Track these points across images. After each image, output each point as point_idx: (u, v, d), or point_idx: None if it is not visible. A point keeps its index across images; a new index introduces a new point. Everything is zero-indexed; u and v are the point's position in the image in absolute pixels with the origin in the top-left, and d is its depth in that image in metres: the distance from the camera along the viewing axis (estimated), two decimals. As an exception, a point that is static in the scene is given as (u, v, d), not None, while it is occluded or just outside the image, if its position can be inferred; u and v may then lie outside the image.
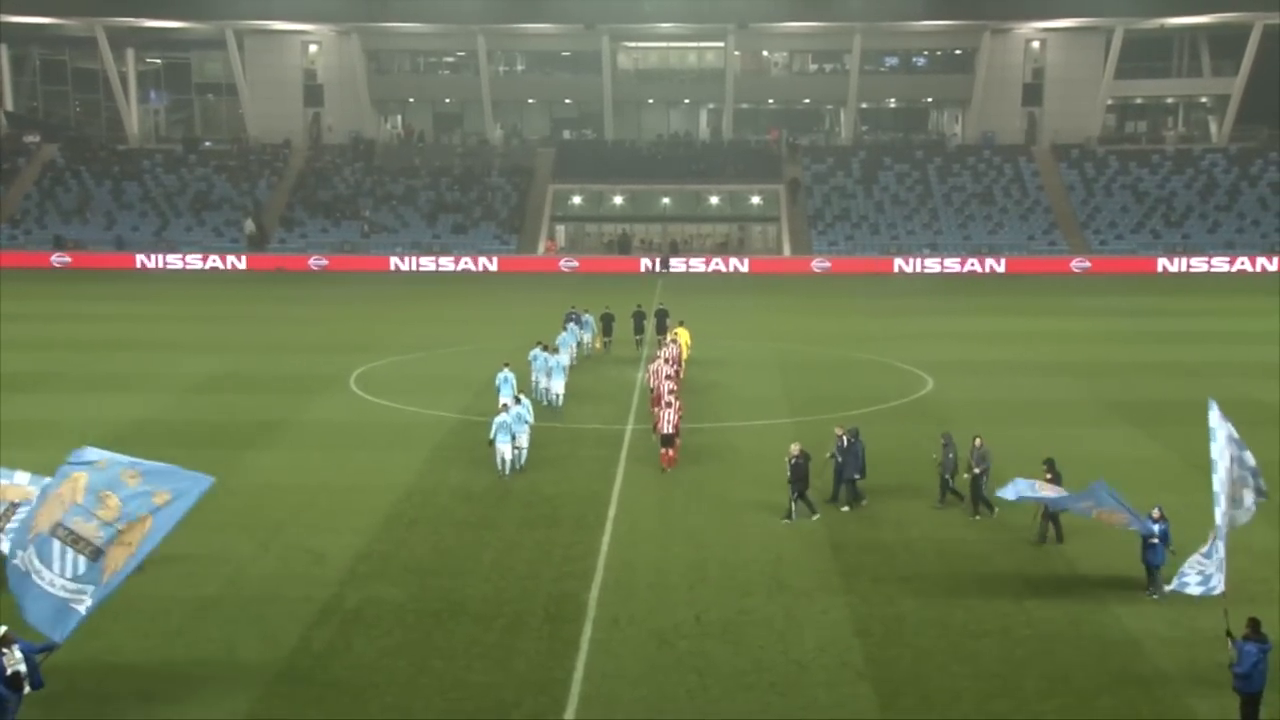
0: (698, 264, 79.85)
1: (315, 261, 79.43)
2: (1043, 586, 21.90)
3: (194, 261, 79.89)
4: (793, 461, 25.45)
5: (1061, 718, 17.03)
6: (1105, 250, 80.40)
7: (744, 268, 79.36)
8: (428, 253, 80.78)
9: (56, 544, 16.24)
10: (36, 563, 16.22)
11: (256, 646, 19.13)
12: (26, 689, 15.66)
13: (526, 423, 29.60)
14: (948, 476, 26.52)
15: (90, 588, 16.20)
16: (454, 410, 36.01)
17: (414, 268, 79.48)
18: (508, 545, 23.92)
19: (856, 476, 26.29)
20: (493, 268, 79.22)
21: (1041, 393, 39.08)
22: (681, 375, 37.11)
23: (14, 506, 21.15)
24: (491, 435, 28.93)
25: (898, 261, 79.02)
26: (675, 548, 23.83)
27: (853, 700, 17.47)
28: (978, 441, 26.15)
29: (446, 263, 79.49)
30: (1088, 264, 78.13)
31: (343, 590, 21.52)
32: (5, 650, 15.44)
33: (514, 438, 29.02)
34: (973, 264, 78.71)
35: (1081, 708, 17.28)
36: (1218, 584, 18.55)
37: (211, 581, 21.82)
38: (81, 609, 16.18)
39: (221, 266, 79.65)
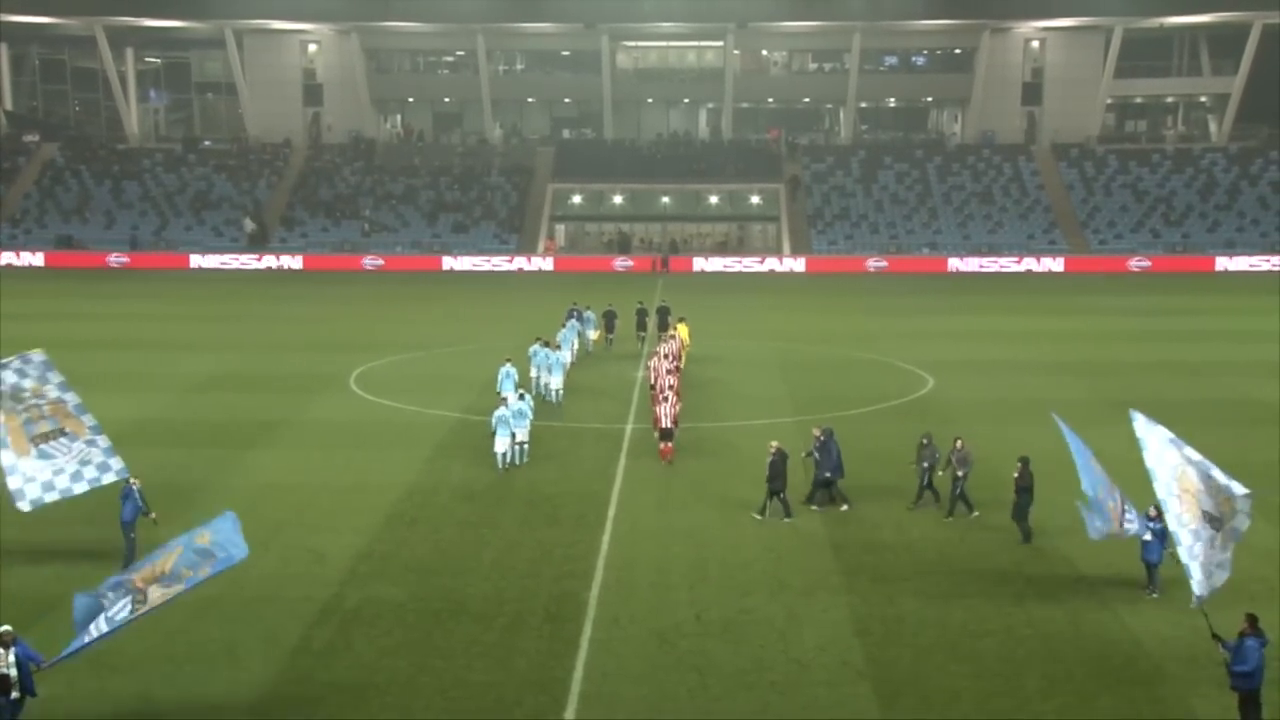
0: (751, 262, 79.85)
1: (370, 261, 79.61)
2: (1043, 586, 21.88)
3: (249, 261, 79.93)
4: (770, 459, 25.49)
5: (1062, 717, 17.02)
6: (1167, 250, 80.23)
7: (799, 267, 79.37)
8: (480, 252, 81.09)
9: (129, 600, 16.39)
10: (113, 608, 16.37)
11: (257, 646, 19.12)
12: (16, 694, 15.51)
13: (527, 417, 29.90)
14: (925, 469, 26.29)
15: (108, 629, 16.24)
16: (454, 409, 36.01)
17: (469, 268, 79.56)
18: (508, 544, 23.91)
19: (828, 474, 26.06)
20: (547, 267, 80.00)
21: (1042, 392, 39.05)
22: (681, 370, 37.32)
23: (61, 433, 22.10)
24: (492, 430, 29.28)
25: (952, 261, 79.03)
26: (676, 547, 23.82)
27: (853, 699, 17.47)
28: (959, 444, 25.96)
29: (500, 262, 79.91)
30: (1148, 263, 78.19)
31: (343, 590, 21.52)
32: (0, 650, 15.41)
33: (514, 433, 29.34)
34: (1030, 263, 78.68)
35: (1082, 707, 17.28)
36: (1199, 588, 17.58)
37: (212, 581, 21.75)
38: (86, 638, 16.14)
39: (286, 266, 79.63)
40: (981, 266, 78.45)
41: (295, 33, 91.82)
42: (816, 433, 26.53)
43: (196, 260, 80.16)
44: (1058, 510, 24.66)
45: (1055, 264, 78.34)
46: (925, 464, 26.34)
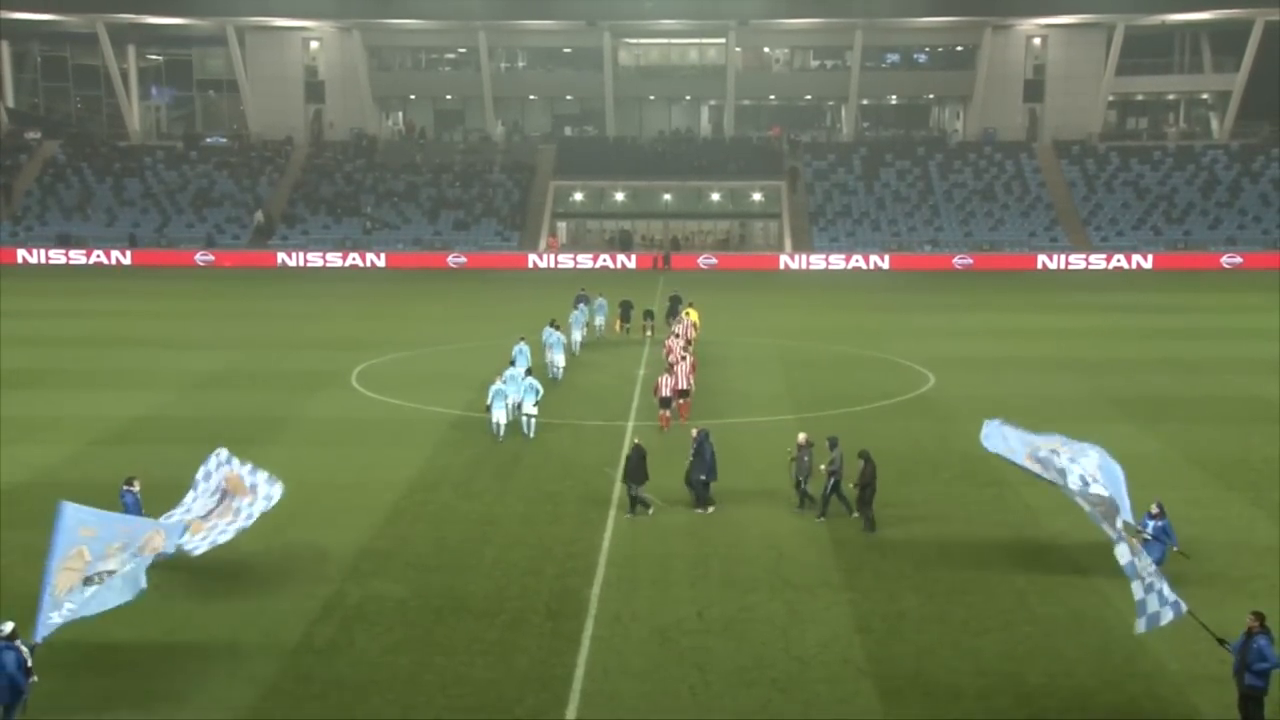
0: (837, 260, 79.78)
1: (454, 260, 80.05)
2: (1044, 582, 21.86)
3: (334, 260, 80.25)
4: (628, 455, 25.56)
5: (1063, 714, 17.02)
6: (1256, 245, 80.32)
7: (884, 264, 79.50)
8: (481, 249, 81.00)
9: (89, 588, 16.44)
10: (68, 607, 16.33)
11: (259, 643, 19.12)
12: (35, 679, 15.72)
13: (536, 391, 32.08)
14: (802, 479, 25.79)
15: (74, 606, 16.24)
16: (456, 406, 36.02)
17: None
18: (510, 541, 23.92)
19: (703, 477, 25.74)
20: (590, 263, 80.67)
21: (1043, 389, 39.06)
22: (693, 347, 39.92)
23: (225, 495, 21.78)
24: (489, 401, 31.45)
25: (1040, 258, 79.22)
26: (677, 544, 23.81)
27: (855, 697, 17.47)
28: (833, 446, 25.49)
29: (596, 259, 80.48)
30: (1239, 259, 78.29)
31: (345, 587, 21.52)
32: (20, 642, 15.54)
33: (518, 406, 31.95)
34: (1119, 260, 78.87)
35: (1083, 704, 17.28)
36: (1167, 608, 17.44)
37: (214, 578, 21.83)
38: (58, 617, 16.13)
39: (361, 264, 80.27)
40: (1070, 264, 78.65)
41: (297, 30, 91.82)
42: (695, 434, 26.26)
43: (282, 258, 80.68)
44: (1058, 508, 24.63)
45: (1145, 261, 78.85)
46: (801, 475, 25.78)
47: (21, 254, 79.99)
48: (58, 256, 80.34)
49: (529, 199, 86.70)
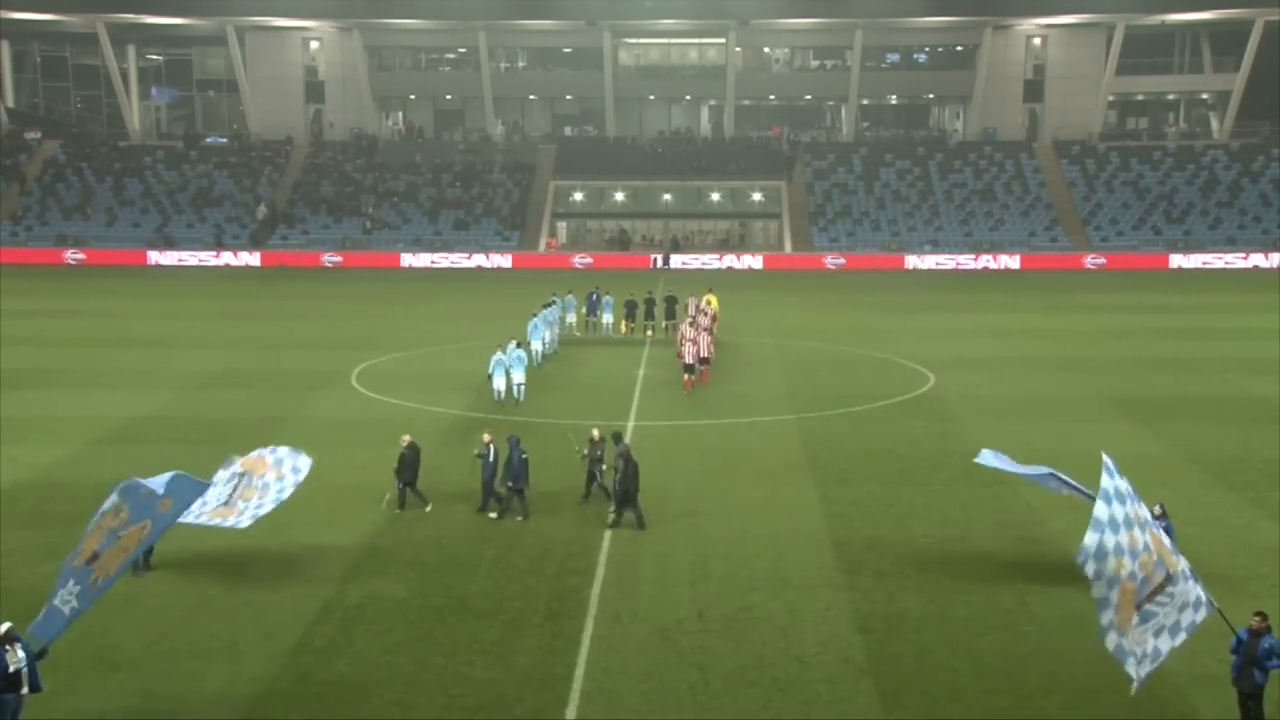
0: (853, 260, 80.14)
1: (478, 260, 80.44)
2: (1045, 582, 21.85)
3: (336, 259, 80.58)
4: (401, 451, 25.68)
5: (1064, 714, 17.01)
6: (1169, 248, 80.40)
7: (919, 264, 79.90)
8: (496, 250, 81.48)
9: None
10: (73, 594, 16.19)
11: (258, 643, 19.10)
12: (25, 690, 15.50)
13: (524, 362, 36.37)
14: (597, 473, 26.05)
15: (79, 589, 16.14)
16: (456, 406, 36.01)
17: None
18: (509, 541, 23.90)
19: (522, 487, 25.35)
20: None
21: (1044, 389, 39.05)
22: (715, 331, 42.76)
23: (242, 476, 22.12)
24: (490, 370, 35.64)
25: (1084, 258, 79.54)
26: (677, 544, 23.79)
27: (855, 697, 17.45)
28: (617, 441, 25.71)
29: (613, 262, 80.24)
30: (1244, 259, 78.46)
31: (344, 587, 21.50)
32: (8, 647, 15.39)
33: (510, 374, 35.68)
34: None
35: (1083, 704, 17.26)
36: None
37: (213, 578, 21.82)
38: (67, 610, 16.05)
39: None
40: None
41: (297, 30, 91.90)
42: (486, 438, 25.96)
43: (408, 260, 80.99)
44: (1058, 507, 24.64)
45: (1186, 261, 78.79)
46: (596, 469, 26.01)
47: (23, 254, 79.97)
48: (69, 257, 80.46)
49: (529, 199, 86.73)
